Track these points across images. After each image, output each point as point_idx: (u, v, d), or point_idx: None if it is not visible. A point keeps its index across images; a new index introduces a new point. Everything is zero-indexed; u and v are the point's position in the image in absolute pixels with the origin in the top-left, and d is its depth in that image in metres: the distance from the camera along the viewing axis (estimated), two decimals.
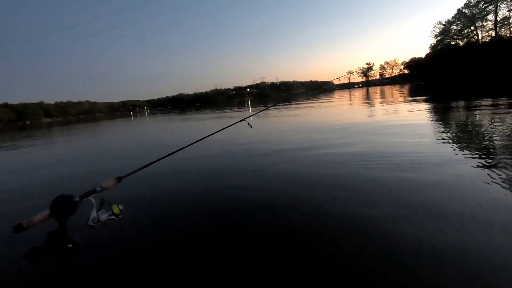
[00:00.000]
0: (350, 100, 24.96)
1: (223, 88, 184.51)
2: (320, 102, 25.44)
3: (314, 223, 2.55)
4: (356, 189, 3.28)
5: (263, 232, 2.50)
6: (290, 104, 26.09)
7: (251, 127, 2.06)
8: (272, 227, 2.57)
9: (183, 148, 1.42)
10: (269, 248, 2.21)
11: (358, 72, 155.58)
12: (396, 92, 30.55)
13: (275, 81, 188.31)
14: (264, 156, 5.67)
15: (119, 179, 1.03)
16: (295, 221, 2.64)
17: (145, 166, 1.16)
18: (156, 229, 2.82)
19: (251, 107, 30.98)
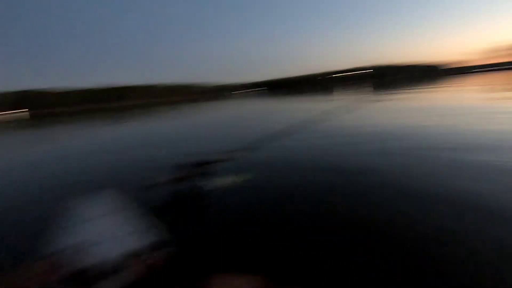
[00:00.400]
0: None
1: (314, 73, 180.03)
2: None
3: None
4: None
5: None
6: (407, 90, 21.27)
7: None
8: None
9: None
10: None
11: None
12: None
13: (375, 64, 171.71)
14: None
15: (236, 152, 1.13)
16: None
17: (257, 143, 1.14)
18: (274, 201, 2.48)
19: (342, 92, 27.48)
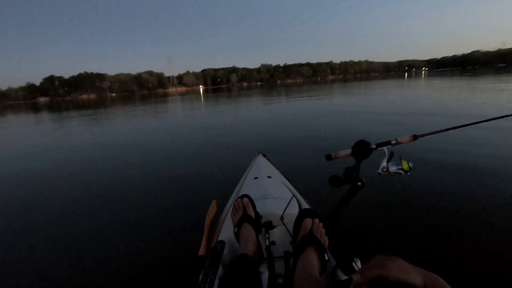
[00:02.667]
0: None
1: None
2: None
3: None
4: None
5: None
6: None
7: None
8: None
9: (507, 116, 1.09)
10: None
11: None
12: None
13: None
14: None
15: (415, 137, 1.01)
16: None
17: (444, 130, 1.05)
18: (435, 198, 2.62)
19: None
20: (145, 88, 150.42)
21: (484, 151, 3.97)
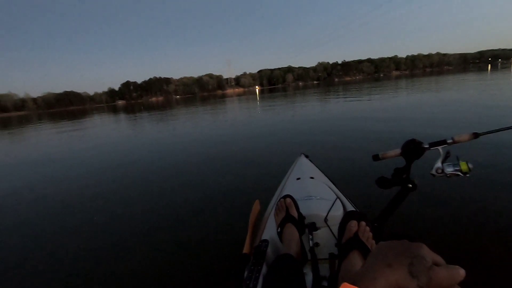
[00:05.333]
0: None
1: None
2: None
3: None
4: None
5: None
6: None
7: None
8: None
9: None
10: None
11: None
12: None
13: None
14: None
15: (475, 135, 0.91)
16: None
17: (510, 127, 0.91)
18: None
19: None
20: (206, 90, 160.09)
21: None
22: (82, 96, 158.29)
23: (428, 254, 0.36)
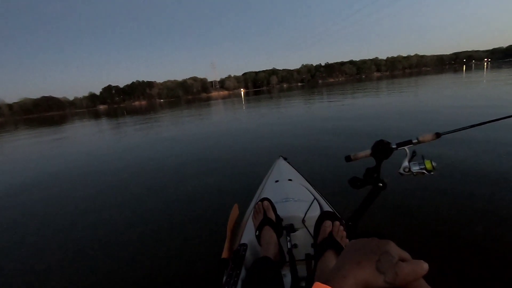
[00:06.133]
0: None
1: None
2: None
3: None
4: None
5: None
6: None
7: None
8: None
9: None
10: None
11: None
12: None
13: None
14: None
15: (438, 135, 0.95)
16: None
17: (469, 127, 0.97)
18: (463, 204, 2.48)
19: None
20: (190, 93, 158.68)
21: None
22: (61, 101, 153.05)
23: (395, 250, 0.37)
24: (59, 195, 4.10)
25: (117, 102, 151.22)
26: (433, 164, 0.92)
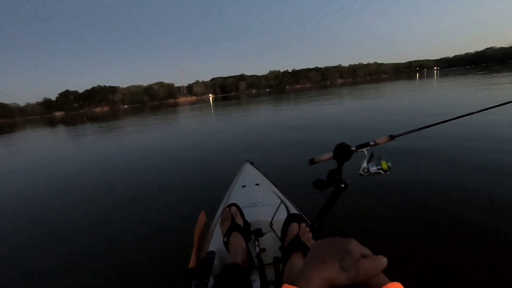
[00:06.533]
0: None
1: None
2: None
3: None
4: None
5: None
6: None
7: None
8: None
9: (469, 114, 1.11)
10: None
11: None
12: None
13: None
14: None
15: (391, 137, 1.02)
16: None
17: (419, 129, 1.07)
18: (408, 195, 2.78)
19: None
20: (156, 99, 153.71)
21: (460, 145, 4.28)
22: (10, 108, 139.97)
23: (357, 248, 0.39)
24: None
25: (75, 108, 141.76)
26: (388, 164, 0.97)
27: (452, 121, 1.09)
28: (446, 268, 1.70)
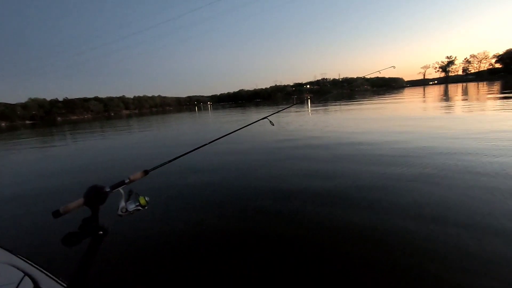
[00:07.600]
0: (424, 97, 22.85)
1: (282, 84, 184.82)
2: (383, 101, 23.70)
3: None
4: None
5: (273, 234, 2.73)
6: (352, 102, 25.13)
7: (273, 125, 2.09)
8: (287, 229, 2.83)
9: (206, 144, 1.41)
10: (279, 251, 2.43)
11: (436, 68, 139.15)
12: (486, 90, 26.44)
13: (337, 77, 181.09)
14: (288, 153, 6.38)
15: (146, 172, 1.05)
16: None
17: (170, 161, 1.16)
18: (175, 221, 3.20)
19: (310, 103, 30.23)
20: None
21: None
22: None
23: None
24: None
25: None
26: (146, 199, 0.99)
27: (198, 149, 1.32)
28: None
